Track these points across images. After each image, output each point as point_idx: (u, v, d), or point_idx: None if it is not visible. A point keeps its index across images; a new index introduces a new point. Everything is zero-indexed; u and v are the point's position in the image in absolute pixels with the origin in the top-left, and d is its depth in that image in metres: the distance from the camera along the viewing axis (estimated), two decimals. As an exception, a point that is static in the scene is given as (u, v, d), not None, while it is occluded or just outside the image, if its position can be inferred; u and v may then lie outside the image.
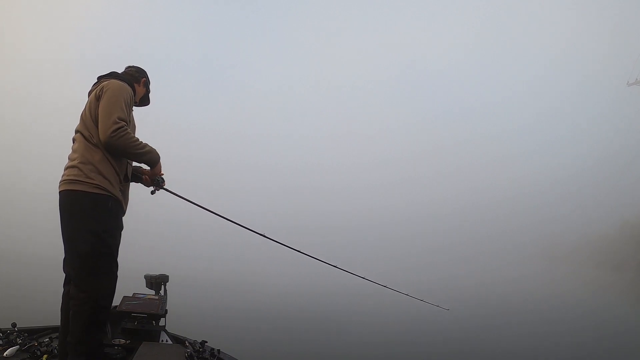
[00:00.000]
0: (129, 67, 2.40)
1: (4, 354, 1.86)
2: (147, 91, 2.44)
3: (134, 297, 2.70)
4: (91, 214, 1.85)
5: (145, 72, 2.42)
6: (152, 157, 2.08)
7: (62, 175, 1.95)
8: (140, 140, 2.00)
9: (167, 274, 2.99)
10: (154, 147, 2.08)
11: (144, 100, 2.45)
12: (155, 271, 3.04)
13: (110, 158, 1.93)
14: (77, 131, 2.03)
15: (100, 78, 2.18)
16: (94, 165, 1.88)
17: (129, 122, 2.03)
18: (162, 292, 2.91)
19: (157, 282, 2.92)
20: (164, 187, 2.21)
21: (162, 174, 2.20)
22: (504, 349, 6.88)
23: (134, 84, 2.26)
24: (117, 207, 1.98)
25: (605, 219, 31.66)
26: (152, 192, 2.22)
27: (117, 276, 1.95)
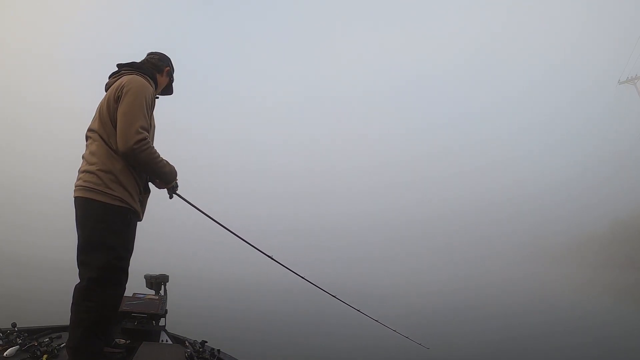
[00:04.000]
0: (151, 54, 2.21)
1: (4, 354, 1.85)
2: (171, 80, 2.28)
3: (134, 297, 2.69)
4: (110, 228, 1.78)
5: (169, 59, 2.24)
6: (169, 176, 1.99)
7: (78, 179, 1.86)
8: (160, 156, 1.91)
9: (167, 274, 2.99)
10: (172, 163, 1.99)
11: (167, 90, 2.29)
12: (155, 271, 3.04)
13: (132, 168, 1.85)
14: (93, 130, 1.90)
15: (120, 67, 2.04)
16: (115, 175, 1.80)
17: (150, 126, 1.93)
18: (162, 292, 2.91)
19: (157, 282, 2.92)
20: (177, 192, 2.15)
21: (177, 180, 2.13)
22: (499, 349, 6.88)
23: (156, 74, 2.13)
24: (135, 219, 1.92)
25: (597, 219, 31.81)
26: (170, 197, 2.15)
27: (125, 288, 1.91)
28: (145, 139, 1.80)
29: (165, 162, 1.94)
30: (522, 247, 42.77)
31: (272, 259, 2.59)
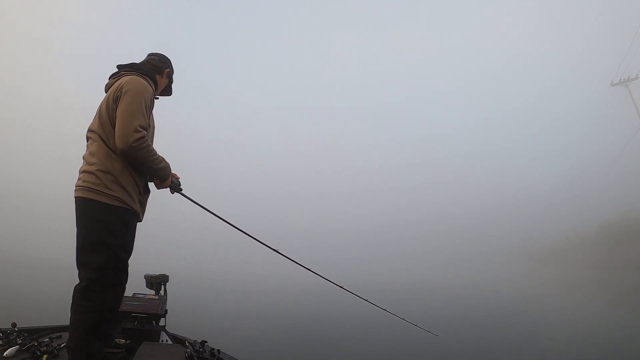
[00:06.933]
0: (152, 55, 2.23)
1: (4, 354, 1.85)
2: (170, 82, 2.29)
3: (134, 297, 2.69)
4: (108, 228, 1.78)
5: (169, 61, 2.26)
6: (165, 173, 1.98)
7: (78, 179, 1.86)
8: (157, 153, 1.91)
9: (167, 274, 2.99)
10: (167, 160, 1.98)
11: (166, 91, 2.30)
12: (155, 271, 3.04)
13: (131, 169, 1.84)
14: (92, 131, 1.90)
15: (120, 68, 2.05)
16: (114, 176, 1.79)
17: (149, 126, 1.92)
18: (162, 292, 2.91)
19: (157, 282, 2.91)
20: (182, 191, 2.13)
21: (179, 177, 2.13)
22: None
23: (155, 75, 2.13)
24: (134, 220, 1.92)
25: (586, 222, 31.97)
26: (172, 192, 2.14)
27: (125, 288, 1.90)
28: (143, 137, 1.79)
29: (161, 158, 1.94)
30: (515, 249, 43.07)
31: (277, 252, 2.57)
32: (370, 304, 3.02)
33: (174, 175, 2.11)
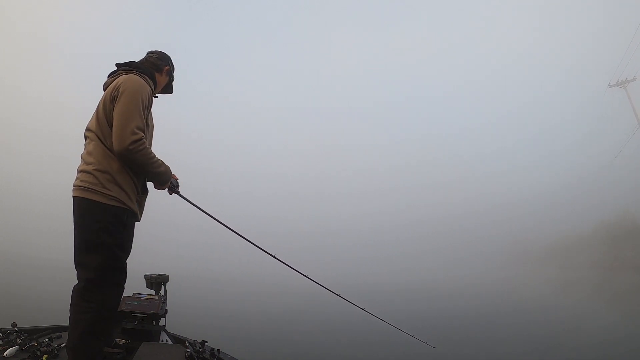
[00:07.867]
0: (151, 53, 2.21)
1: (4, 354, 1.85)
2: (171, 79, 2.27)
3: (134, 297, 2.68)
4: (106, 227, 1.77)
5: (169, 58, 2.24)
6: (164, 178, 1.96)
7: (76, 179, 1.85)
8: (156, 156, 1.89)
9: (167, 274, 2.99)
10: (167, 163, 1.97)
11: (167, 89, 2.29)
12: (155, 271, 3.04)
13: (129, 168, 1.83)
14: (90, 130, 1.89)
15: (118, 66, 2.04)
16: (111, 175, 1.79)
17: (147, 125, 1.92)
18: (162, 292, 2.91)
19: (157, 282, 2.91)
20: (179, 192, 2.12)
21: (177, 178, 2.12)
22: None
23: (155, 73, 2.12)
24: (132, 220, 1.91)
25: (582, 222, 32.08)
26: (170, 193, 2.13)
27: (123, 288, 1.89)
28: (140, 139, 1.78)
29: (160, 162, 1.92)
30: (514, 249, 43.20)
31: (274, 257, 2.56)
32: (367, 312, 3.01)
33: (172, 177, 2.09)
